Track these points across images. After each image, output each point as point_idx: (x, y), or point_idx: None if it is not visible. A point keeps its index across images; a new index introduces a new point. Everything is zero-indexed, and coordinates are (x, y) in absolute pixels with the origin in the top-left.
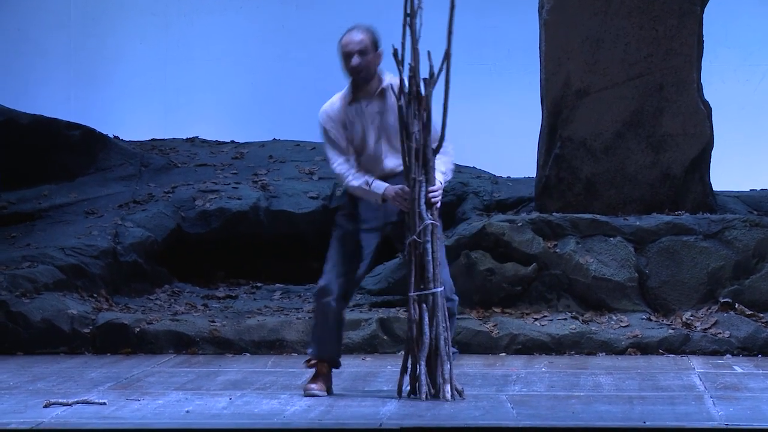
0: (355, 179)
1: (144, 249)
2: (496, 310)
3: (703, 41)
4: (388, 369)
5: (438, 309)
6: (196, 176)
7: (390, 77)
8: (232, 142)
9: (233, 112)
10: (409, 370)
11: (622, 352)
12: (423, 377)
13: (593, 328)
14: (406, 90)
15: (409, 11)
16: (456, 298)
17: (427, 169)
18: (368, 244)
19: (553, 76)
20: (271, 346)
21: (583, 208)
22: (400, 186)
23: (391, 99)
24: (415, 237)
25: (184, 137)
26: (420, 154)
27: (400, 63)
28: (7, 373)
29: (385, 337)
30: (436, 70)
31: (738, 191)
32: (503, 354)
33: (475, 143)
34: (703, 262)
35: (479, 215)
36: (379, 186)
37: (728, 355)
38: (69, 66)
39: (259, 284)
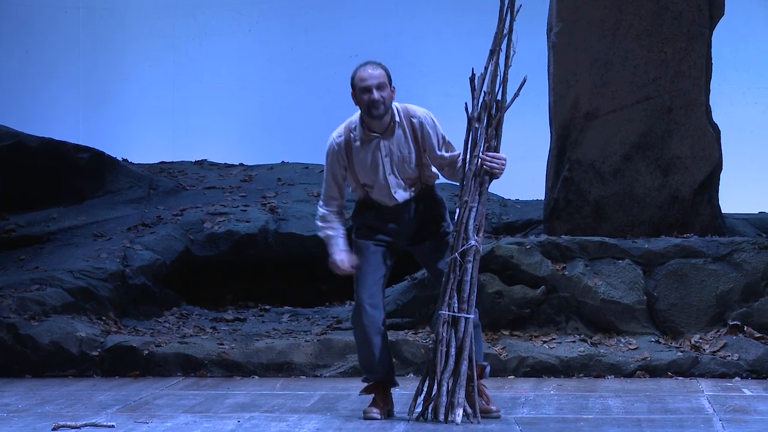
0: (323, 229)
1: (152, 271)
2: (504, 332)
3: (711, 64)
4: (396, 391)
5: (467, 334)
6: (204, 199)
7: (400, 108)
8: (241, 164)
9: (242, 135)
10: (424, 392)
11: (630, 374)
12: (443, 399)
13: (602, 351)
14: (475, 113)
15: (497, 38)
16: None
17: (482, 191)
18: (386, 257)
19: (561, 99)
20: (280, 368)
21: (591, 230)
22: (341, 258)
23: (401, 131)
24: (456, 256)
25: (193, 160)
26: (478, 178)
27: (474, 88)
28: (15, 395)
29: (393, 360)
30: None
31: (747, 214)
32: (512, 376)
33: None
34: (711, 284)
35: (488, 238)
36: (333, 247)
37: (737, 378)
38: (78, 89)
39: (267, 307)
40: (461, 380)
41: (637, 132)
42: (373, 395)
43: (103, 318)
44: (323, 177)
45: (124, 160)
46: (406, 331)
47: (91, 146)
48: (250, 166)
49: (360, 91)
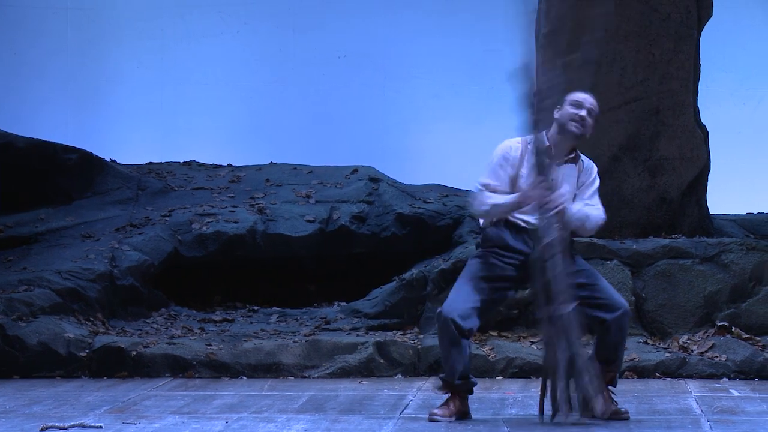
0: (493, 198)
1: (141, 272)
2: (492, 333)
3: (699, 65)
4: (384, 392)
5: (568, 329)
6: (193, 200)
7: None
8: (229, 165)
9: (230, 136)
10: (548, 392)
11: (619, 375)
12: (562, 396)
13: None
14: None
15: None
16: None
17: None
18: (499, 290)
19: None
20: (268, 369)
21: None
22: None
23: (575, 170)
24: (541, 250)
25: (181, 161)
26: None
27: None
28: (3, 396)
29: (381, 361)
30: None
31: (735, 215)
32: (500, 377)
33: (473, 166)
34: (699, 285)
35: (476, 239)
36: (511, 197)
37: (725, 379)
38: (66, 90)
39: (255, 307)
40: (581, 373)
41: (625, 133)
42: (447, 395)
43: (91, 319)
44: (487, 172)
45: (112, 160)
46: (394, 332)
47: (80, 147)
48: (239, 166)
49: (571, 105)
